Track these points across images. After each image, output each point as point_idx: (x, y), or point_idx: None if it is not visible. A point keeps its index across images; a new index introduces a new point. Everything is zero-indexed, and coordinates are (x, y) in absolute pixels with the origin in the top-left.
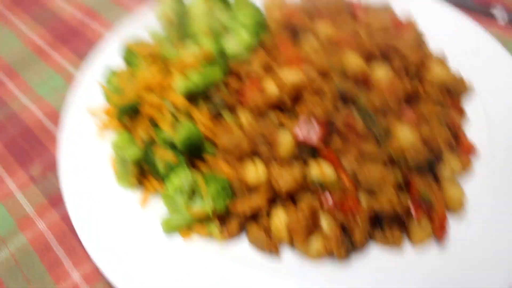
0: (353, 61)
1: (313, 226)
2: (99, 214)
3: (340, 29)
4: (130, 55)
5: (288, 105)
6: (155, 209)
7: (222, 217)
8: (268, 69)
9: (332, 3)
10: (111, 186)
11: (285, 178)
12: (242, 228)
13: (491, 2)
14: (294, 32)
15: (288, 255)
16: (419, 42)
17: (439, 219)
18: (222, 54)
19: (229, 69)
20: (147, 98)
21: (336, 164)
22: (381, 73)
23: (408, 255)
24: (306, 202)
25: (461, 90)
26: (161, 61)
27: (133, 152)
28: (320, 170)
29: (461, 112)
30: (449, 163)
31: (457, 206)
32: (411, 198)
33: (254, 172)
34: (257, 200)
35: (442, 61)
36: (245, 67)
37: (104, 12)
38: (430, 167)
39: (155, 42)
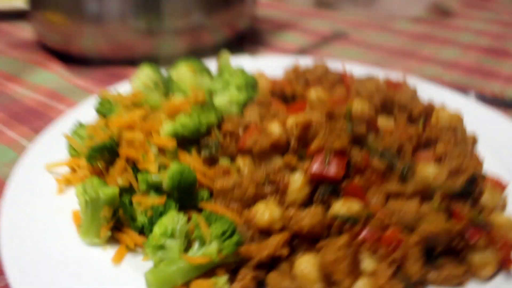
0: (359, 105)
1: (355, 266)
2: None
3: (332, 95)
4: (106, 106)
5: (294, 147)
6: (132, 266)
7: (230, 269)
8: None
9: (321, 73)
10: (69, 244)
11: (306, 217)
12: (257, 281)
13: None
14: (284, 99)
15: None
16: (415, 96)
17: (503, 242)
18: (213, 106)
19: (221, 119)
20: (126, 136)
21: (363, 198)
22: (385, 123)
23: None
24: (342, 239)
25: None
26: (145, 108)
27: (109, 190)
28: (346, 206)
29: (476, 158)
30: (488, 192)
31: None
32: (462, 225)
33: (266, 212)
34: (275, 243)
35: (444, 108)
36: (238, 119)
37: (68, 94)
38: (469, 193)
39: (136, 94)
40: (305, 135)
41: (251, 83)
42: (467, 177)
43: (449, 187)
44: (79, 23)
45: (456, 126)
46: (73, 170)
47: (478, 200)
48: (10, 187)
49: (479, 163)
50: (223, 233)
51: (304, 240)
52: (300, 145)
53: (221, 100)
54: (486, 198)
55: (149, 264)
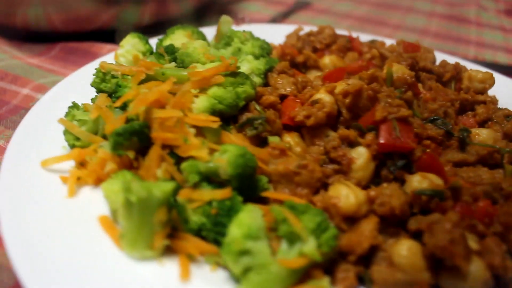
0: (400, 70)
1: (467, 247)
2: None
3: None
4: (108, 81)
5: (346, 118)
6: (203, 281)
7: (325, 268)
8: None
9: (329, 38)
10: (110, 264)
11: (392, 196)
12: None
13: None
14: (297, 66)
15: None
16: (435, 58)
17: None
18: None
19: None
20: (159, 115)
21: (440, 170)
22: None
23: None
24: (451, 218)
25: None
26: (161, 80)
27: (166, 186)
28: (426, 180)
29: None
30: None
31: None
32: None
33: (351, 196)
34: (371, 231)
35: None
36: (275, 90)
37: (26, 75)
38: None
39: (149, 64)
40: (356, 104)
41: (266, 50)
42: None
43: None
44: None
45: (490, 86)
46: (81, 164)
47: None
48: (2, 198)
49: None
50: (318, 226)
51: (389, 223)
52: (351, 116)
53: (243, 69)
54: None
55: (220, 276)
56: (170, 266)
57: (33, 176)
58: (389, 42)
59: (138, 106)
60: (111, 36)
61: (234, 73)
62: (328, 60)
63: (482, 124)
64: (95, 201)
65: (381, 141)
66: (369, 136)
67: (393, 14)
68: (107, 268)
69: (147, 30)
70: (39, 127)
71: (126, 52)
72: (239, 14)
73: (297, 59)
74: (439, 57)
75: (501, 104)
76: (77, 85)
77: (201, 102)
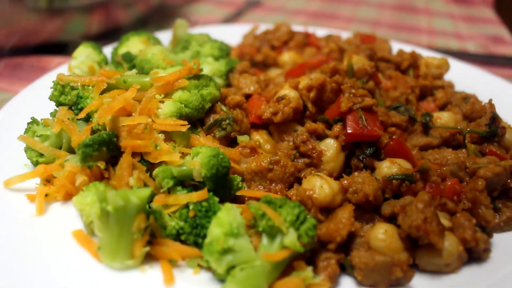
0: (360, 61)
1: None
2: None
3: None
4: (67, 93)
5: (312, 112)
6: (187, 284)
7: (306, 259)
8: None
9: (286, 35)
10: (92, 278)
11: (365, 183)
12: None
13: None
14: (256, 65)
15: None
16: (390, 47)
17: None
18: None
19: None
20: (127, 123)
21: (407, 154)
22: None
23: None
24: (422, 198)
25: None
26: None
27: (143, 192)
28: (395, 165)
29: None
30: (509, 131)
31: None
32: None
33: (325, 186)
34: (348, 218)
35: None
36: (239, 90)
37: None
38: (494, 133)
39: (108, 73)
40: (321, 98)
41: (225, 51)
42: (489, 118)
43: (475, 129)
44: None
45: (446, 71)
46: (47, 180)
47: (502, 139)
48: None
49: (491, 104)
50: (297, 218)
51: (365, 210)
52: (317, 109)
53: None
54: (509, 135)
55: (203, 277)
56: (153, 273)
57: None
58: (345, 35)
59: (104, 115)
60: (58, 48)
61: (197, 76)
62: (287, 57)
63: (442, 108)
64: (66, 217)
65: (349, 131)
66: (336, 128)
67: (344, 7)
68: (89, 282)
69: (98, 39)
70: None
71: (81, 63)
72: (190, 17)
73: (256, 58)
74: (395, 46)
75: (457, 88)
76: (30, 101)
77: (167, 107)
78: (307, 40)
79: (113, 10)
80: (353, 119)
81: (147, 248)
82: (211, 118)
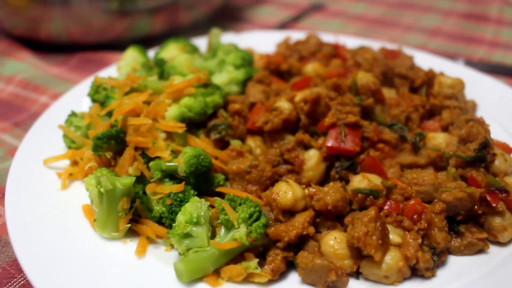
0: (364, 77)
1: (384, 239)
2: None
3: (329, 68)
4: (101, 92)
5: (304, 124)
6: (156, 257)
7: (258, 253)
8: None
9: (314, 46)
10: (85, 241)
11: (328, 193)
12: (287, 261)
13: None
14: (279, 75)
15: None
16: (413, 64)
17: None
18: (217, 86)
19: (225, 99)
20: (132, 123)
21: (381, 170)
22: (387, 94)
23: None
24: (369, 212)
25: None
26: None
27: (126, 180)
28: (366, 179)
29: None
30: (500, 157)
31: None
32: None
33: (289, 191)
34: (302, 222)
35: (443, 74)
36: (243, 98)
37: (45, 84)
38: (482, 159)
39: (133, 78)
40: (315, 111)
41: (247, 61)
42: (479, 143)
43: (462, 154)
44: (45, 6)
45: (459, 92)
46: (74, 162)
47: (490, 166)
48: (10, 188)
49: (486, 129)
50: (250, 216)
51: (327, 217)
52: (310, 121)
53: (219, 79)
54: (499, 162)
55: (172, 255)
56: (131, 245)
57: (36, 171)
58: (376, 46)
59: (117, 114)
60: (125, 46)
61: (205, 85)
62: (310, 68)
63: (446, 128)
64: (81, 193)
65: (328, 144)
66: (320, 140)
67: (408, 14)
68: (83, 244)
69: (160, 39)
70: (46, 131)
71: (127, 64)
72: (252, 19)
73: (281, 67)
74: (431, 60)
75: (496, 112)
76: (82, 94)
77: (172, 111)
78: (336, 52)
79: (177, 11)
80: (335, 134)
81: (129, 225)
82: (211, 123)
